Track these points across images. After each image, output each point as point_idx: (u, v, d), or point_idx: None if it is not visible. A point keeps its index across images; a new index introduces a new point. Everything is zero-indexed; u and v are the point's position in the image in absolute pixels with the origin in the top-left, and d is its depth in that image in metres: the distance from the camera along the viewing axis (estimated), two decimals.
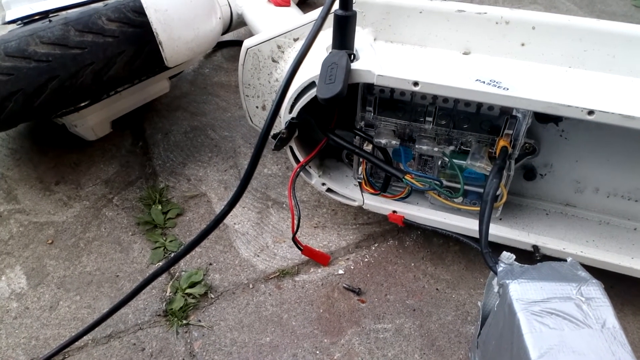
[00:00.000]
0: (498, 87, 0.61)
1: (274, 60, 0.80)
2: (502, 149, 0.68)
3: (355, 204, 0.81)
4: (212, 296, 0.76)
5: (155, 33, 0.79)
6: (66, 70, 0.78)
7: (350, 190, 0.82)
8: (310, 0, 1.45)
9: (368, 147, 0.76)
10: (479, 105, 0.69)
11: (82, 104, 0.90)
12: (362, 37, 0.70)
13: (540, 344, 0.47)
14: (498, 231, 0.74)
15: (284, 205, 0.91)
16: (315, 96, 0.64)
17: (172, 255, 0.80)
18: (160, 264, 0.80)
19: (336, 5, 0.63)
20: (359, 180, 0.82)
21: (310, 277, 0.79)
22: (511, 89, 0.60)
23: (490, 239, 0.63)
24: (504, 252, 0.56)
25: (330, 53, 0.65)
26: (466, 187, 0.73)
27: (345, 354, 0.69)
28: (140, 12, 0.81)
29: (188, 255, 0.79)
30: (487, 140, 0.70)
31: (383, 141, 0.73)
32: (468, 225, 0.75)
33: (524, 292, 0.51)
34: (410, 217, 0.78)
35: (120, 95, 0.98)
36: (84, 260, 0.81)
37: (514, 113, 0.67)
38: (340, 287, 0.77)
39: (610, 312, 0.49)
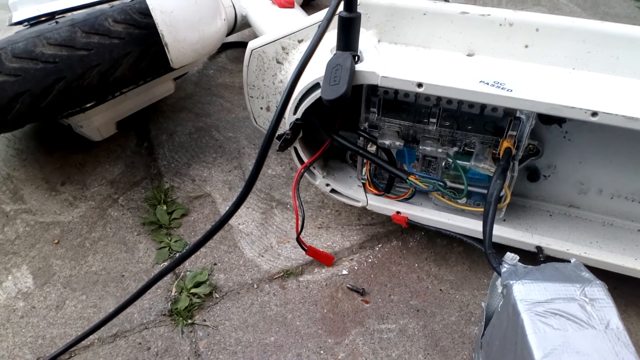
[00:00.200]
0: (502, 88, 0.61)
1: (278, 62, 0.80)
2: (505, 150, 0.68)
3: (359, 204, 0.82)
4: (217, 296, 0.77)
5: (161, 34, 0.80)
6: (73, 71, 0.79)
7: (354, 191, 0.82)
8: (314, 2, 1.46)
9: (372, 148, 0.77)
10: (483, 106, 0.69)
11: (88, 105, 0.91)
12: (366, 39, 0.71)
13: (544, 344, 0.47)
14: (502, 232, 0.74)
15: (288, 206, 0.91)
16: (320, 97, 0.65)
17: (178, 255, 0.80)
18: (165, 263, 0.81)
19: (341, 7, 0.63)
20: (362, 181, 0.83)
21: (314, 278, 0.79)
22: (515, 90, 0.61)
23: (493, 239, 0.63)
24: (508, 253, 0.57)
25: (334, 54, 0.66)
26: (470, 188, 0.74)
27: (349, 353, 0.69)
28: (146, 13, 0.82)
29: (193, 255, 0.79)
30: (490, 141, 0.71)
31: (387, 142, 0.73)
32: (472, 226, 0.76)
33: (528, 292, 0.51)
34: (414, 218, 0.78)
35: (125, 96, 0.98)
36: (90, 260, 0.82)
37: (517, 114, 0.67)
38: (344, 287, 0.78)
39: (614, 313, 0.49)
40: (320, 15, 0.76)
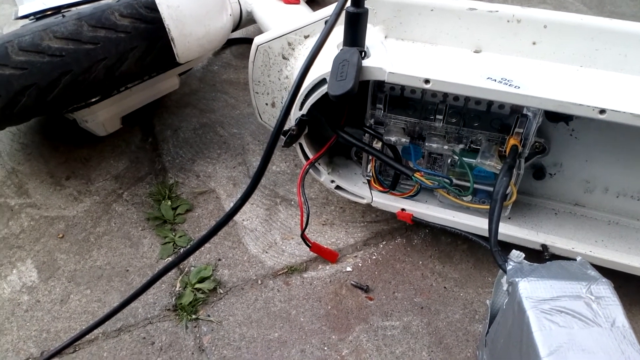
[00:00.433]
0: (509, 85, 0.61)
1: (284, 58, 0.80)
2: (512, 147, 0.68)
3: (364, 201, 0.82)
4: (221, 291, 0.77)
5: (167, 29, 0.80)
6: (79, 65, 0.79)
7: (359, 188, 0.82)
8: None
9: (377, 145, 0.77)
10: (490, 103, 0.69)
11: (93, 100, 0.91)
12: (373, 35, 0.71)
13: (549, 341, 0.47)
14: (507, 230, 0.74)
15: (293, 203, 0.91)
16: (326, 93, 0.64)
17: (182, 250, 0.80)
18: (170, 259, 0.81)
19: (348, 3, 0.63)
20: (367, 177, 0.82)
21: (318, 274, 0.79)
22: (522, 87, 0.60)
23: (499, 237, 0.63)
24: (514, 251, 0.57)
25: (341, 50, 0.65)
26: (476, 186, 0.73)
27: (353, 350, 0.69)
28: (153, 8, 0.82)
29: (197, 251, 0.79)
30: (497, 138, 0.70)
31: (393, 139, 0.73)
32: (477, 223, 0.75)
33: (534, 290, 0.51)
34: (419, 215, 0.78)
35: (130, 91, 0.98)
36: (95, 254, 0.82)
37: (524, 112, 0.67)
38: (348, 284, 0.78)
39: (620, 311, 0.49)
40: (327, 11, 0.76)
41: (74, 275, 0.79)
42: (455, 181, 0.74)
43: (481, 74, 0.63)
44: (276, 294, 0.76)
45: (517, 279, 0.53)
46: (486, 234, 0.64)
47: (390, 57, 0.67)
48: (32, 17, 0.85)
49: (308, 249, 0.78)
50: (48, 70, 0.77)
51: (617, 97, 0.60)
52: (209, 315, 0.74)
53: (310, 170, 0.79)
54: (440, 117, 0.71)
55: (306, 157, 0.79)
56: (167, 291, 0.77)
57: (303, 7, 1.05)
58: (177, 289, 0.77)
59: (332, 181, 0.82)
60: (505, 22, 0.68)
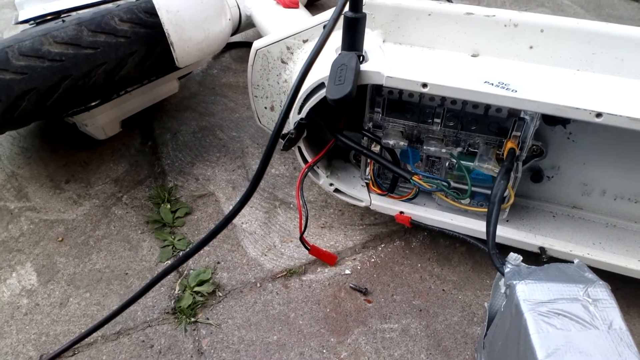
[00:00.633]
0: (506, 89, 0.61)
1: (283, 62, 0.81)
2: (509, 150, 0.68)
3: (363, 204, 0.82)
4: (220, 294, 0.77)
5: (166, 34, 0.80)
6: (79, 69, 0.79)
7: (357, 191, 0.82)
8: (318, 2, 1.46)
9: (376, 148, 0.77)
10: (487, 107, 0.69)
11: (93, 104, 0.91)
12: (371, 39, 0.71)
13: (547, 344, 0.47)
14: (505, 233, 0.74)
15: (291, 206, 0.91)
16: (324, 97, 0.65)
17: (182, 253, 0.81)
18: (169, 262, 0.81)
19: (346, 8, 0.64)
20: (366, 181, 0.83)
21: (317, 277, 0.79)
22: (519, 91, 0.61)
23: (497, 240, 0.63)
24: (511, 253, 0.57)
25: (339, 54, 0.66)
26: (473, 189, 0.74)
27: (351, 353, 0.70)
28: (152, 13, 0.82)
29: (196, 254, 0.80)
30: (494, 142, 0.71)
31: (391, 142, 0.73)
32: (475, 226, 0.76)
33: (531, 292, 0.51)
34: (417, 218, 0.78)
35: (130, 95, 0.99)
36: (94, 257, 0.82)
37: (522, 115, 0.67)
38: (347, 287, 0.78)
39: (617, 314, 0.49)
40: (325, 15, 0.77)
41: (74, 278, 0.79)
42: (453, 184, 0.75)
43: (478, 78, 0.63)
44: (275, 296, 0.77)
45: (514, 282, 0.53)
46: (484, 237, 0.65)
47: (388, 61, 0.67)
48: (32, 22, 0.85)
49: (307, 251, 0.79)
50: (48, 74, 0.77)
51: (613, 100, 0.60)
52: (208, 318, 0.74)
53: (309, 173, 0.80)
54: (438, 120, 0.71)
55: (305, 160, 0.79)
56: (166, 294, 0.77)
57: (302, 12, 1.05)
58: (176, 292, 0.77)
59: (331, 184, 0.82)
60: (502, 27, 0.69)
